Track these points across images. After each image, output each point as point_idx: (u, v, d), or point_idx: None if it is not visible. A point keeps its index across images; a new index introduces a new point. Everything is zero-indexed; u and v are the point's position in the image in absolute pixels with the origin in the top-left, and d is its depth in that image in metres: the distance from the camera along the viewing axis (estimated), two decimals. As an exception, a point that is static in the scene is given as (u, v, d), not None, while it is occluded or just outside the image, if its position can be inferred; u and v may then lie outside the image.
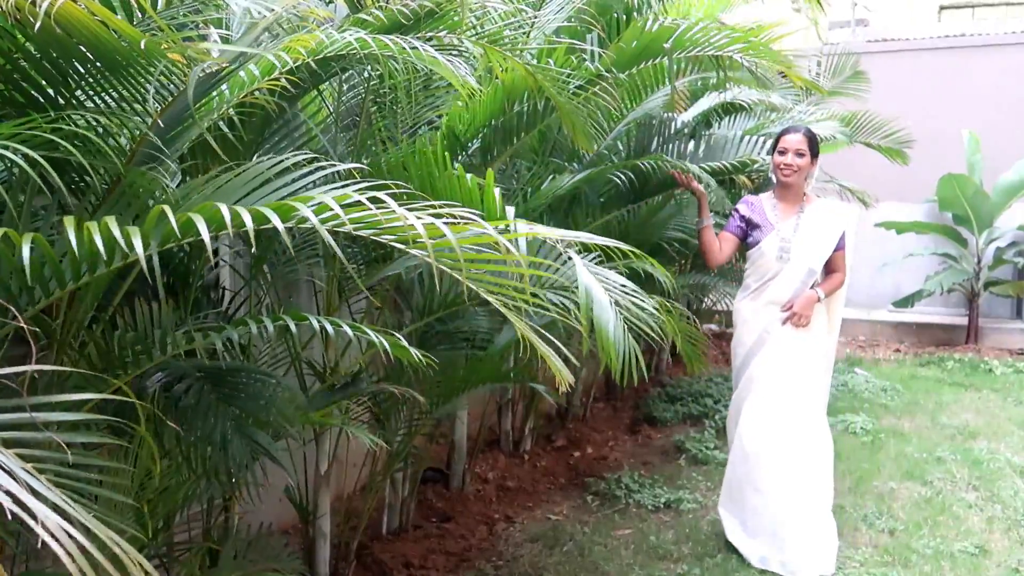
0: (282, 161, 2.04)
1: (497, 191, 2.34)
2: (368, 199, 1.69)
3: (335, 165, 2.06)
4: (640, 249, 3.61)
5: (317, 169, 2.08)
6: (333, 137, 3.40)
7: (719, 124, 5.51)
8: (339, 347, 3.32)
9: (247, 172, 2.02)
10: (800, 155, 4.00)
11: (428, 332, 3.62)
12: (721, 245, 4.12)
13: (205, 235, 1.46)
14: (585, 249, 2.94)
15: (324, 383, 3.28)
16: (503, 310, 1.84)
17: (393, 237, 1.73)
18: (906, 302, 9.53)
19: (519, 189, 3.94)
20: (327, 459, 3.51)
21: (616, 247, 2.53)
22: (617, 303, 2.49)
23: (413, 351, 2.07)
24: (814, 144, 4.03)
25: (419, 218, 1.64)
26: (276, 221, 1.48)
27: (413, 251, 1.64)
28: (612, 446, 5.88)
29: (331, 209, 1.54)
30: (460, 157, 3.60)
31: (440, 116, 3.60)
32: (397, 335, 2.12)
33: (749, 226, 4.09)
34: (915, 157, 7.41)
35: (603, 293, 2.35)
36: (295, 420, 2.42)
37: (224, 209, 1.51)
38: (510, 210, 2.25)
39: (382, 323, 3.84)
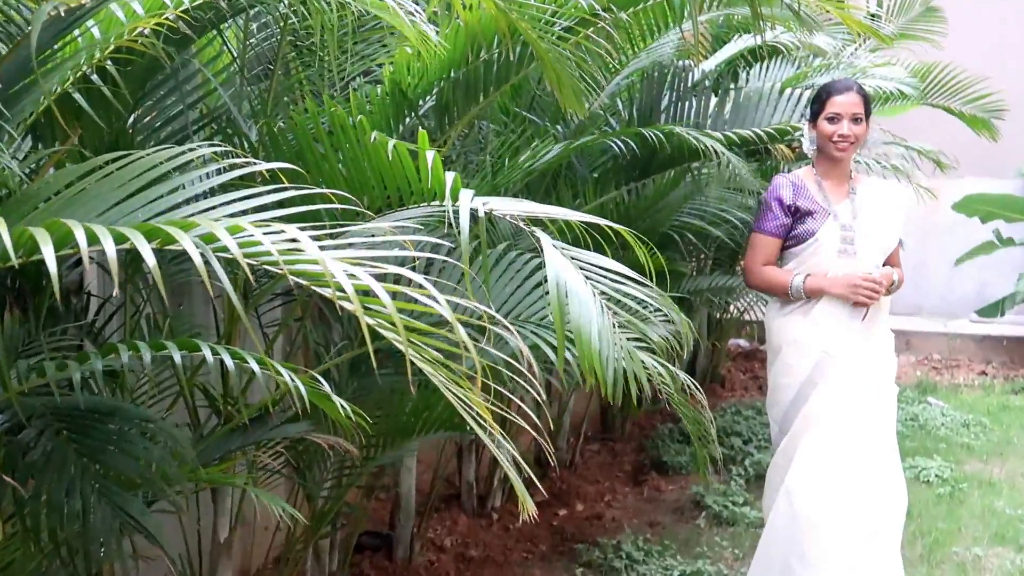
0: (182, 153, 2.01)
1: (450, 175, 2.32)
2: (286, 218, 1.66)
3: (252, 163, 2.03)
4: (646, 239, 3.59)
5: (230, 167, 2.04)
6: (238, 91, 3.36)
7: (748, 74, 5.54)
8: (242, 376, 3.29)
9: (131, 167, 1.99)
10: (857, 121, 4.02)
11: (364, 353, 3.60)
12: (768, 259, 4.15)
13: (51, 262, 1.44)
14: (564, 233, 2.93)
15: (224, 422, 3.24)
16: (440, 381, 1.81)
17: (308, 281, 1.72)
18: (994, 309, 9.61)
19: (484, 161, 3.93)
20: (228, 522, 3.47)
21: (610, 229, 2.53)
22: (605, 297, 2.48)
23: (340, 403, 2.04)
24: (869, 104, 4.08)
25: (354, 263, 1.63)
26: (144, 248, 1.47)
27: (342, 303, 1.63)
28: (609, 501, 5.88)
29: (219, 240, 1.52)
30: (409, 118, 3.58)
31: (383, 65, 3.57)
32: (318, 378, 2.09)
33: (796, 216, 4.11)
34: (1007, 119, 7.48)
35: (582, 283, 2.33)
36: (181, 479, 2.39)
37: (78, 229, 1.49)
38: (466, 194, 2.22)
39: (302, 340, 3.81)
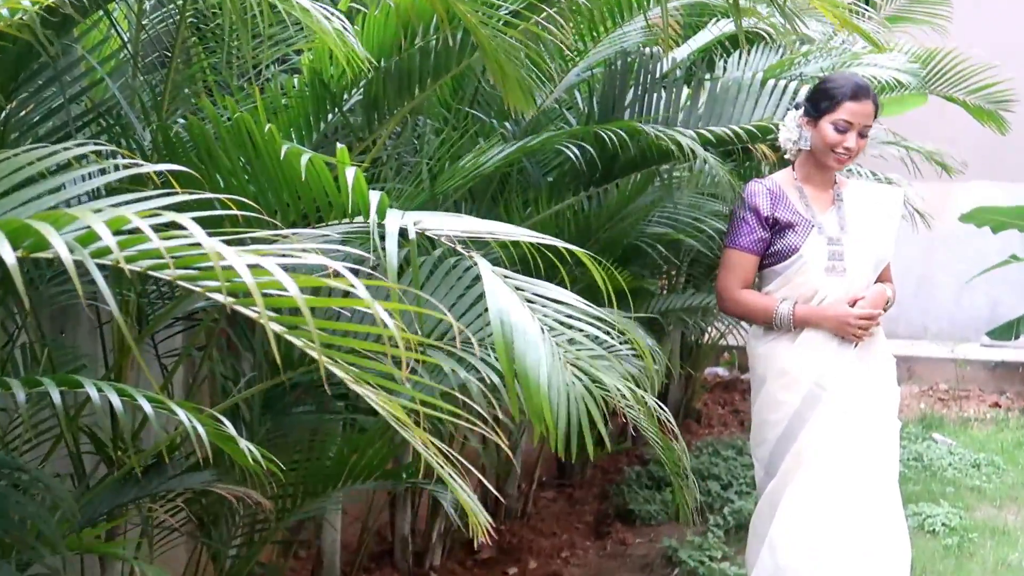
0: (58, 152, 1.99)
1: (375, 195, 2.32)
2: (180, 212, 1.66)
3: (140, 165, 2.02)
4: (608, 254, 3.60)
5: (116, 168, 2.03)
6: (129, 83, 3.34)
7: (726, 63, 5.59)
8: (136, 415, 3.26)
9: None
10: (864, 134, 4.08)
11: (280, 386, 3.58)
12: (746, 280, 4.19)
13: None
14: (511, 249, 2.93)
15: (114, 469, 3.21)
16: (373, 401, 1.81)
17: (209, 285, 1.71)
18: (1008, 331, 9.72)
19: (421, 164, 3.93)
20: (118, 588, 3.43)
21: (566, 250, 2.53)
22: (553, 333, 2.48)
23: (247, 446, 2.03)
24: (878, 113, 4.13)
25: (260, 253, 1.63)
26: (4, 251, 1.45)
27: (240, 308, 1.62)
28: (567, 557, 5.89)
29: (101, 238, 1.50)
30: (332, 114, 3.58)
31: (302, 52, 3.57)
32: (220, 418, 2.08)
33: (775, 229, 4.14)
34: (1019, 117, 7.59)
35: (529, 319, 2.34)
36: (60, 545, 2.36)
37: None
38: (393, 216, 2.23)
39: (208, 372, 3.78)
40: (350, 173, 2.37)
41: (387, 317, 1.65)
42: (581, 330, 2.61)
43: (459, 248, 2.34)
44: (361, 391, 1.80)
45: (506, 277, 2.44)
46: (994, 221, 9.55)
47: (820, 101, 4.07)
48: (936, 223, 10.65)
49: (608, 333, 2.92)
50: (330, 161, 2.51)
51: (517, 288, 2.41)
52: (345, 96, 3.59)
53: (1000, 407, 9.61)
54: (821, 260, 4.11)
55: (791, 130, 4.18)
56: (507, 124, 4.48)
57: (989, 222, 9.53)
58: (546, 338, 2.40)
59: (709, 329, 7.56)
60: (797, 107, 4.22)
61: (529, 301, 2.43)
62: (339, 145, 2.51)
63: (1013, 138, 7.83)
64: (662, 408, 3.38)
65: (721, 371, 9.84)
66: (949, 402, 9.74)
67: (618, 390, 3.08)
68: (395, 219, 2.23)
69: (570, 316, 2.58)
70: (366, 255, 2.30)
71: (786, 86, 4.80)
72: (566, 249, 2.62)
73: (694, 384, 8.48)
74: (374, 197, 2.34)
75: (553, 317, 2.52)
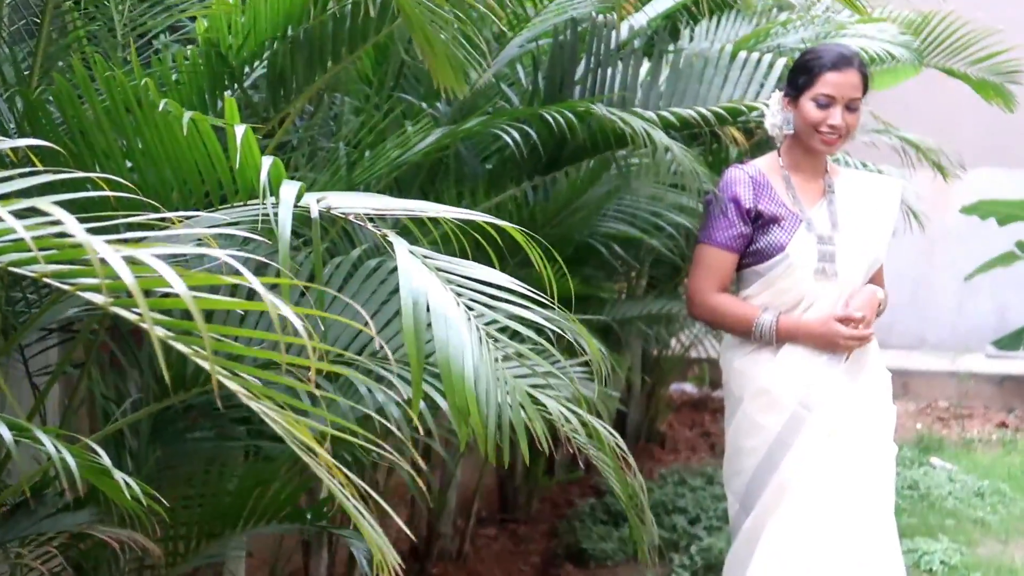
0: None
1: (267, 160, 2.30)
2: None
3: None
4: (557, 252, 3.59)
5: None
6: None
7: (692, 32, 5.62)
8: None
9: None
10: (853, 108, 4.06)
11: (172, 409, 3.56)
12: (722, 281, 4.17)
13: None
14: (442, 245, 2.92)
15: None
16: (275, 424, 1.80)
17: (84, 283, 1.70)
18: (1017, 340, 9.82)
19: (337, 150, 3.92)
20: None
21: (501, 237, 2.53)
22: (487, 321, 2.47)
23: (125, 481, 2.02)
24: (868, 85, 4.12)
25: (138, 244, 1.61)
26: None
27: (119, 311, 1.61)
28: (510, 605, 5.89)
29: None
30: (231, 91, 3.56)
31: (196, 19, 3.54)
32: (95, 447, 2.06)
33: (757, 223, 4.11)
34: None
35: (451, 301, 2.33)
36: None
37: None
38: (289, 187, 2.21)
39: (87, 392, 3.74)
40: (239, 131, 2.34)
41: (296, 320, 1.64)
42: (517, 316, 2.58)
43: (369, 227, 2.33)
44: (260, 408, 1.79)
45: (426, 257, 2.42)
46: (1000, 213, 9.62)
47: (798, 77, 4.08)
48: (935, 217, 10.76)
49: (553, 339, 2.91)
50: (218, 123, 2.49)
51: (439, 269, 2.40)
52: (246, 70, 3.57)
53: (1007, 427, 9.70)
54: (810, 261, 4.07)
55: (775, 114, 4.16)
56: (438, 104, 4.47)
57: (994, 214, 9.60)
58: (472, 324, 2.38)
59: (675, 340, 7.60)
60: (781, 88, 4.24)
61: (452, 283, 2.42)
62: (228, 97, 2.48)
63: (1020, 120, 7.88)
64: (610, 432, 3.37)
65: (689, 388, 9.89)
66: (950, 421, 9.83)
67: (563, 409, 3.10)
68: (290, 192, 2.20)
69: (503, 301, 2.55)
70: (265, 241, 2.29)
71: (760, 60, 4.83)
72: (508, 244, 2.62)
73: (657, 403, 8.51)
74: (265, 164, 2.31)
75: (482, 302, 2.50)
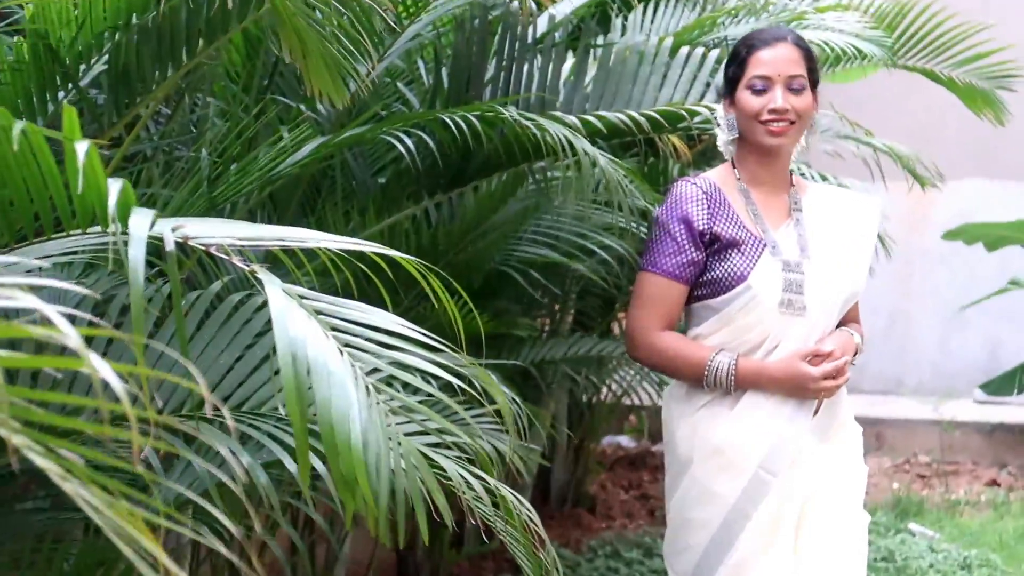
0: None
1: (115, 184, 2.28)
2: None
3: None
4: (462, 284, 3.58)
5: None
6: None
7: (625, 22, 5.65)
8: None
9: None
10: (797, 88, 4.04)
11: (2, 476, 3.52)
12: (669, 316, 4.12)
13: None
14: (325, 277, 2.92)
15: None
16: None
17: None
18: (1010, 383, 9.85)
19: (198, 160, 3.91)
20: None
21: (391, 269, 2.52)
22: (375, 373, 2.47)
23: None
24: (814, 64, 4.12)
25: None
26: None
27: None
28: None
29: None
30: (66, 92, 3.53)
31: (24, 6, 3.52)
32: None
33: (713, 249, 4.07)
34: (1021, 103, 7.77)
35: (334, 351, 2.32)
36: None
37: None
38: (141, 216, 2.20)
39: None
40: (80, 149, 2.30)
41: (116, 382, 1.62)
42: (416, 371, 2.59)
43: (236, 262, 2.32)
44: (73, 490, 1.76)
45: (303, 298, 2.42)
46: (989, 236, 9.71)
47: (728, 69, 4.10)
48: (912, 237, 10.90)
49: (458, 388, 2.91)
50: (53, 135, 2.46)
51: (318, 312, 2.39)
52: (83, 67, 3.54)
53: (999, 486, 9.75)
54: (774, 293, 3.99)
55: (721, 126, 4.14)
56: (320, 106, 4.47)
57: (982, 238, 9.68)
58: (360, 378, 2.38)
59: (607, 385, 7.59)
60: (716, 91, 4.25)
61: (336, 329, 2.41)
62: (66, 105, 2.45)
63: (1013, 123, 7.93)
64: (518, 500, 3.37)
65: (625, 441, 9.88)
66: (932, 479, 9.87)
67: (464, 473, 3.10)
68: (142, 222, 2.18)
69: (395, 349, 2.55)
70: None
71: (705, 55, 4.86)
72: (403, 280, 2.62)
73: (586, 460, 8.49)
74: (114, 188, 2.28)
75: (371, 351, 2.50)
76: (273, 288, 2.28)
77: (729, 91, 4.04)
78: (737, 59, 4.03)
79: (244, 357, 3.17)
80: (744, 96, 3.98)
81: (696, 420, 4.07)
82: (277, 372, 2.48)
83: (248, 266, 2.35)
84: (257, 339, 3.13)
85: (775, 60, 3.98)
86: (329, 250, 2.58)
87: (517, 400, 3.83)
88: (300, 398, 2.20)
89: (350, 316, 2.49)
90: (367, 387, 2.39)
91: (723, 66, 4.18)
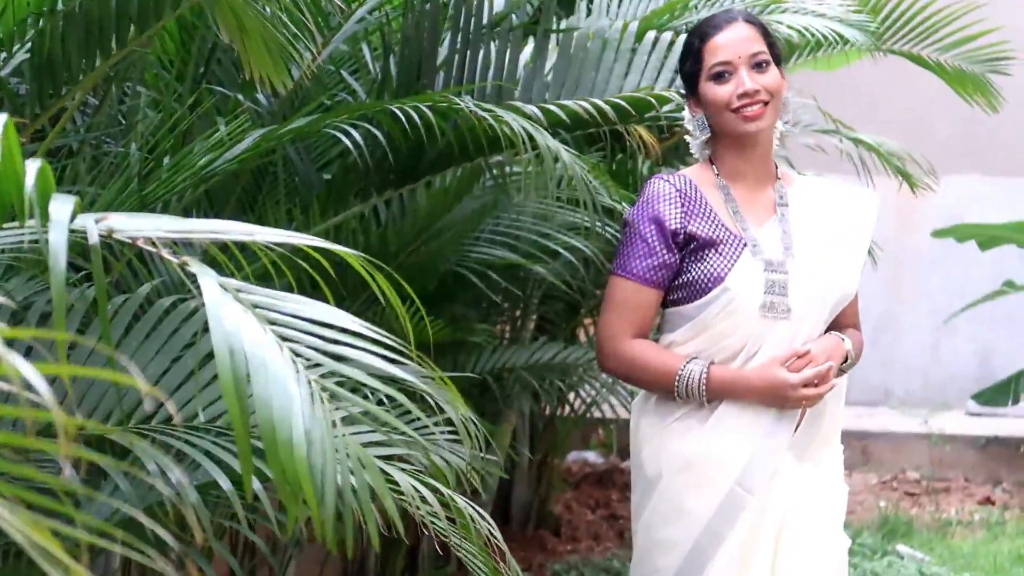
0: None
1: (32, 166, 2.27)
2: None
3: None
4: (415, 287, 3.58)
5: None
6: None
7: (590, 6, 5.65)
8: None
9: None
10: (760, 66, 4.04)
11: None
12: (641, 323, 4.10)
13: None
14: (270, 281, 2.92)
15: None
16: None
17: None
18: (1004, 393, 9.84)
19: (128, 155, 3.90)
20: None
21: (336, 267, 2.52)
22: (319, 371, 2.46)
23: None
24: (771, 39, 4.12)
25: None
26: None
27: None
28: None
29: None
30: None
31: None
32: None
33: (688, 249, 4.05)
34: (1015, 94, 7.79)
35: (275, 346, 2.32)
36: None
37: None
38: (62, 202, 2.19)
39: None
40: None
41: (43, 386, 1.63)
42: (365, 370, 2.57)
43: (165, 254, 2.31)
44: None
45: (239, 291, 2.41)
46: (982, 236, 9.73)
47: (684, 65, 4.10)
48: (901, 237, 10.94)
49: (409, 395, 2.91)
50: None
51: (257, 306, 2.39)
52: (4, 55, 3.53)
53: (993, 504, 9.77)
54: (755, 295, 3.96)
55: (692, 130, 4.14)
56: (260, 95, 4.47)
57: (975, 237, 9.71)
58: (302, 375, 2.37)
59: (573, 395, 7.59)
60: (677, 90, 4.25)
61: (275, 324, 2.41)
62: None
63: (1008, 114, 7.96)
64: (478, 513, 3.38)
65: (592, 457, 9.89)
66: (921, 497, 9.90)
67: (418, 485, 3.10)
68: (64, 207, 2.17)
69: (342, 344, 2.54)
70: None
71: (674, 41, 4.86)
72: (350, 284, 2.62)
73: (550, 477, 8.49)
74: (30, 172, 2.26)
75: (315, 346, 2.49)
76: (207, 280, 2.26)
77: (691, 89, 4.04)
78: (691, 52, 4.03)
79: (175, 366, 3.17)
80: (709, 88, 3.98)
81: (666, 435, 4.06)
82: (214, 378, 2.48)
83: (179, 259, 2.34)
84: (186, 350, 3.13)
85: (732, 42, 3.99)
86: (270, 248, 2.57)
87: (474, 418, 3.81)
88: (239, 397, 2.19)
89: (290, 310, 2.48)
90: (310, 383, 2.38)
91: (678, 65, 4.19)
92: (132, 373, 1.88)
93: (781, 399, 3.97)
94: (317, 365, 2.48)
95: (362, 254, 2.54)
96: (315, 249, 2.55)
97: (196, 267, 2.30)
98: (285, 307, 2.46)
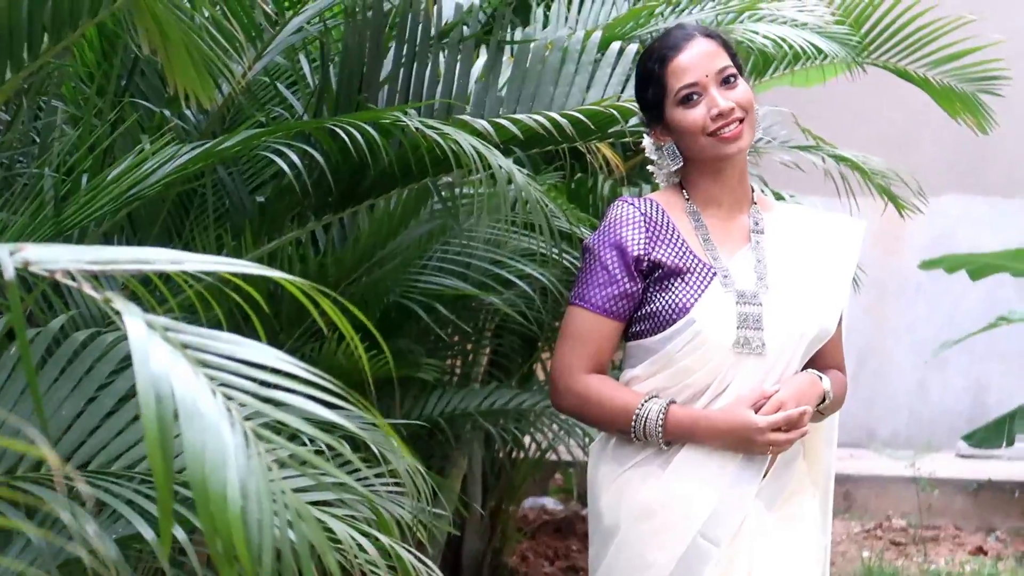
0: None
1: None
2: None
3: None
4: (357, 318, 3.58)
5: None
6: None
7: (547, 14, 5.66)
8: None
9: None
10: (729, 81, 4.03)
11: None
12: (599, 358, 4.06)
13: None
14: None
15: None
16: None
17: None
18: (998, 433, 9.90)
19: (43, 177, 3.89)
20: None
21: (284, 311, 2.51)
22: (254, 416, 2.44)
23: None
24: (733, 51, 4.10)
25: None
26: None
27: None
28: None
29: None
30: None
31: None
32: None
33: (652, 279, 4.03)
34: (1013, 105, 7.82)
35: (206, 391, 2.30)
36: None
37: None
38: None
39: None
40: None
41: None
42: (302, 415, 2.56)
43: (88, 290, 2.29)
44: None
45: (167, 329, 2.39)
46: (973, 265, 9.77)
47: (645, 92, 4.07)
48: (886, 262, 10.95)
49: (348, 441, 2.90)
50: None
51: (186, 346, 2.37)
52: None
53: (986, 554, 9.81)
54: (726, 329, 3.94)
55: (659, 161, 4.11)
56: (188, 111, 4.46)
57: (964, 267, 9.74)
58: (237, 423, 2.35)
59: (529, 437, 7.57)
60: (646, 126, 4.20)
61: (207, 365, 2.39)
62: None
63: (1000, 131, 7.98)
64: (424, 564, 3.36)
65: (550, 503, 9.88)
66: (908, 547, 9.92)
67: (356, 535, 3.09)
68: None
69: (276, 387, 2.53)
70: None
71: (638, 52, 4.86)
72: (283, 317, 2.61)
73: (504, 526, 8.48)
74: None
75: (252, 390, 2.47)
76: (132, 318, 2.25)
77: (656, 117, 4.02)
78: (651, 79, 3.99)
79: (91, 406, 3.15)
80: (678, 114, 3.95)
81: (624, 481, 4.04)
82: (136, 419, 2.46)
83: (101, 294, 2.32)
84: (100, 391, 3.11)
85: (695, 61, 3.98)
86: (198, 278, 2.56)
87: (420, 468, 3.80)
88: (164, 446, 2.17)
89: (223, 350, 2.46)
90: (245, 433, 2.36)
91: (635, 93, 4.15)
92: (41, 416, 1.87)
93: (747, 443, 3.93)
94: (255, 414, 2.46)
95: (300, 279, 2.53)
96: (248, 278, 2.54)
97: (120, 304, 2.28)
98: (218, 347, 2.44)
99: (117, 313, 2.26)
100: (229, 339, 2.49)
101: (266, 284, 4.59)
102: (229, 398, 2.36)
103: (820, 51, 6.13)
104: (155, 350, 2.23)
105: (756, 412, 3.92)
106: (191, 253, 2.40)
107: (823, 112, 7.79)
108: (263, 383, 2.47)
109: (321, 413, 2.52)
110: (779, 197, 5.90)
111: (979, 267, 9.73)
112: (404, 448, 3.03)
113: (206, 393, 2.28)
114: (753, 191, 4.16)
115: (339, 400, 2.58)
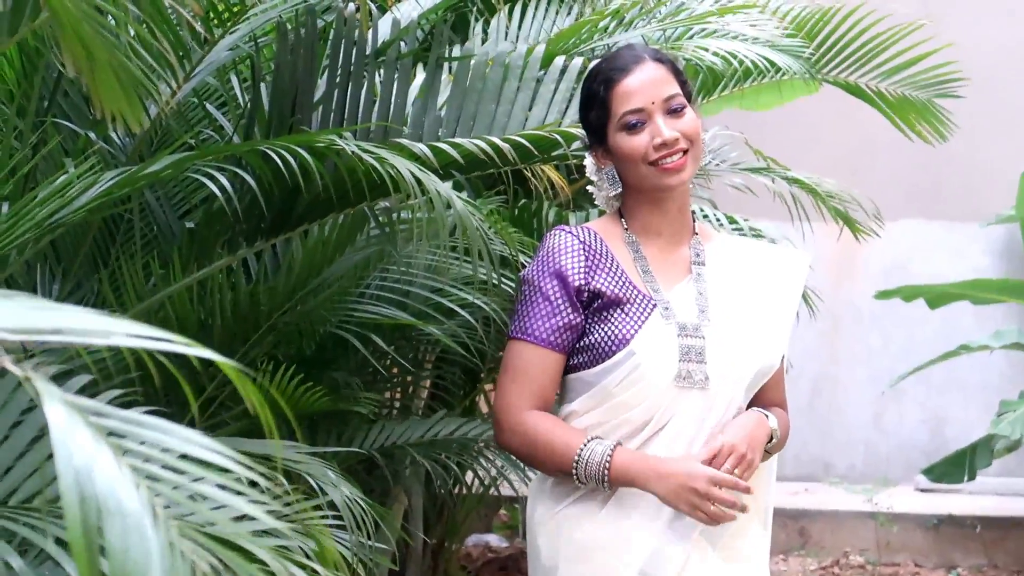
0: None
1: None
2: None
3: None
4: (291, 347, 3.59)
5: None
6: None
7: (486, 28, 5.67)
8: None
9: None
10: (677, 110, 4.01)
11: None
12: (542, 393, 4.03)
13: None
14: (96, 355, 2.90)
15: None
16: None
17: None
18: (959, 467, 9.95)
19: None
20: None
21: (210, 317, 2.51)
22: (175, 510, 2.45)
23: None
24: (684, 77, 4.10)
25: None
26: None
27: None
28: None
29: None
30: None
31: None
32: None
33: (592, 309, 4.02)
34: (969, 127, 7.86)
35: (130, 487, 2.29)
36: None
37: None
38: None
39: None
40: None
41: None
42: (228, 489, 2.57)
43: (7, 363, 2.29)
44: None
45: (95, 414, 2.38)
46: (931, 294, 9.81)
47: (589, 113, 4.06)
48: (840, 290, 11.00)
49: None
50: None
51: (111, 433, 2.36)
52: None
53: (944, 592, 9.87)
54: (668, 363, 3.92)
55: (598, 183, 4.10)
56: (114, 133, 4.45)
57: (922, 296, 9.79)
58: (161, 520, 2.35)
59: (472, 472, 7.57)
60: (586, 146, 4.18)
61: (129, 452, 2.38)
62: None
63: (958, 154, 8.02)
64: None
65: (494, 540, 9.88)
66: (864, 585, 9.95)
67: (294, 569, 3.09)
68: None
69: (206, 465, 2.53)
70: None
71: (584, 68, 4.87)
72: (216, 343, 2.61)
73: (447, 564, 8.48)
74: None
75: (177, 483, 2.47)
76: (53, 404, 2.23)
77: (599, 139, 4.02)
78: (596, 100, 3.97)
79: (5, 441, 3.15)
80: (620, 140, 3.94)
81: (562, 519, 4.04)
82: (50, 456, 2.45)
83: (23, 371, 2.31)
84: (25, 416, 3.11)
85: (643, 86, 3.97)
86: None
87: (360, 501, 3.79)
88: (89, 549, 2.17)
89: (148, 437, 2.45)
90: (167, 527, 2.36)
91: (579, 112, 4.15)
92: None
93: (687, 496, 3.85)
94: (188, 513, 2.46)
95: (230, 362, 2.51)
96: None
97: (41, 384, 2.27)
98: (144, 435, 2.44)
99: (38, 395, 2.25)
100: (155, 425, 2.47)
101: (197, 317, 4.60)
102: (152, 490, 2.36)
103: (774, 64, 6.14)
104: (78, 440, 2.22)
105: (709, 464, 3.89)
106: (115, 320, 2.38)
107: (775, 134, 7.82)
108: (189, 475, 2.47)
109: (243, 507, 2.54)
110: (731, 220, 5.90)
111: (937, 296, 9.78)
112: (343, 477, 3.03)
113: (129, 489, 2.26)
114: (695, 221, 4.17)
115: (264, 480, 2.59)
